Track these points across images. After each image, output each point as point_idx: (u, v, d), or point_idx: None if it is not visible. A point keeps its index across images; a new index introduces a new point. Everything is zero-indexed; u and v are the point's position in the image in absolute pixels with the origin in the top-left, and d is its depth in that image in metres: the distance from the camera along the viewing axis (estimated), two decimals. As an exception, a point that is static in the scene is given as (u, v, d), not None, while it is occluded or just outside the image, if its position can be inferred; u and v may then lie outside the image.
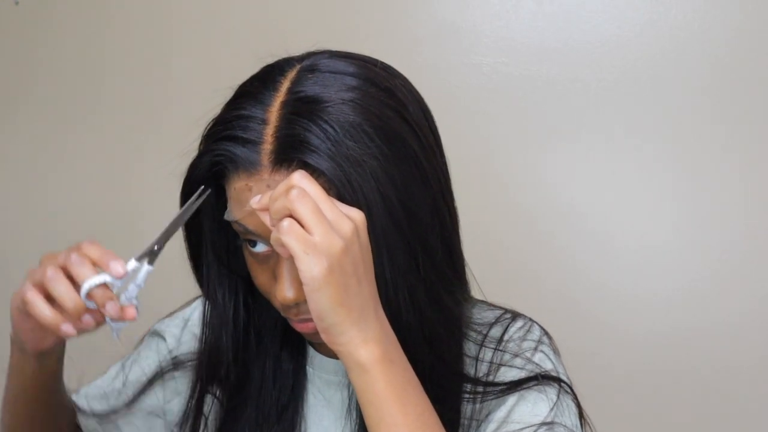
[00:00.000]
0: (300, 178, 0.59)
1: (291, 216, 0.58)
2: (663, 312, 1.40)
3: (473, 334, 0.74)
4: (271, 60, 0.70)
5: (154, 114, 1.69)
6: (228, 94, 0.68)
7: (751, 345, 1.37)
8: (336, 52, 0.69)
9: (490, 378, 0.72)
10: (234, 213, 0.65)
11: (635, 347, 1.42)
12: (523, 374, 0.71)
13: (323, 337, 0.61)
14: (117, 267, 0.62)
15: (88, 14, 1.72)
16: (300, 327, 0.69)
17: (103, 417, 0.85)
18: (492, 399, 0.71)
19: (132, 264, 0.64)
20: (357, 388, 0.61)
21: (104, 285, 0.62)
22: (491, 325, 0.76)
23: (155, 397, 0.85)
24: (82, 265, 0.62)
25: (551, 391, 0.70)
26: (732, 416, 1.39)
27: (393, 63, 0.71)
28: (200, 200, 0.67)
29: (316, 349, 0.80)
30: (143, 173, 1.69)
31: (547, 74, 1.44)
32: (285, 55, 0.70)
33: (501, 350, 0.73)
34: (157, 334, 0.88)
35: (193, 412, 0.79)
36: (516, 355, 0.73)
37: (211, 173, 0.66)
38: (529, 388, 0.70)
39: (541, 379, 0.70)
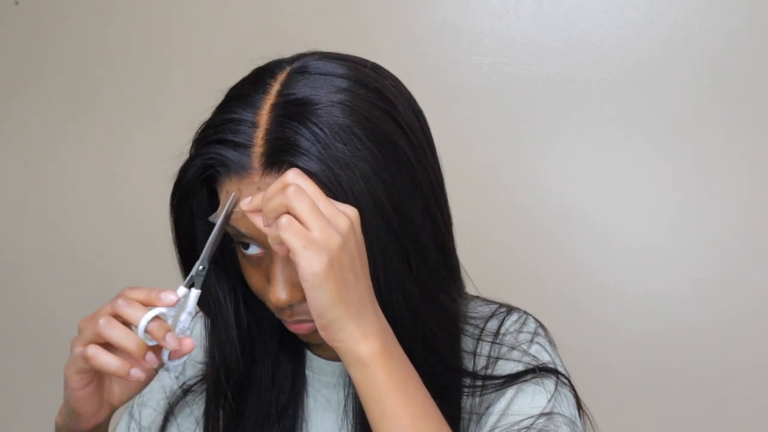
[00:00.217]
0: (295, 176, 0.59)
1: (288, 214, 0.58)
2: (663, 312, 1.40)
3: (470, 329, 0.75)
4: (262, 62, 0.70)
5: (154, 114, 1.69)
6: (223, 96, 0.68)
7: (751, 345, 1.37)
8: (326, 53, 0.69)
9: (489, 371, 0.72)
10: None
11: (635, 347, 1.42)
12: (520, 366, 0.72)
13: (322, 334, 0.61)
14: (169, 295, 0.62)
15: (87, 15, 1.73)
16: (294, 328, 0.69)
17: None
18: (491, 392, 0.71)
19: (182, 290, 0.64)
20: (357, 384, 0.61)
21: (158, 318, 0.61)
22: (487, 320, 0.76)
23: (175, 429, 0.84)
24: (131, 306, 0.62)
25: (549, 383, 0.71)
26: (732, 416, 1.39)
27: (393, 63, 0.71)
28: (232, 208, 0.65)
29: (313, 351, 0.80)
30: (141, 174, 1.69)
31: (547, 74, 1.44)
32: (279, 57, 0.70)
33: (498, 343, 0.74)
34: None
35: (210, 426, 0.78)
36: (513, 348, 0.73)
37: (202, 177, 0.66)
38: (527, 380, 0.70)
39: (538, 371, 0.71)
